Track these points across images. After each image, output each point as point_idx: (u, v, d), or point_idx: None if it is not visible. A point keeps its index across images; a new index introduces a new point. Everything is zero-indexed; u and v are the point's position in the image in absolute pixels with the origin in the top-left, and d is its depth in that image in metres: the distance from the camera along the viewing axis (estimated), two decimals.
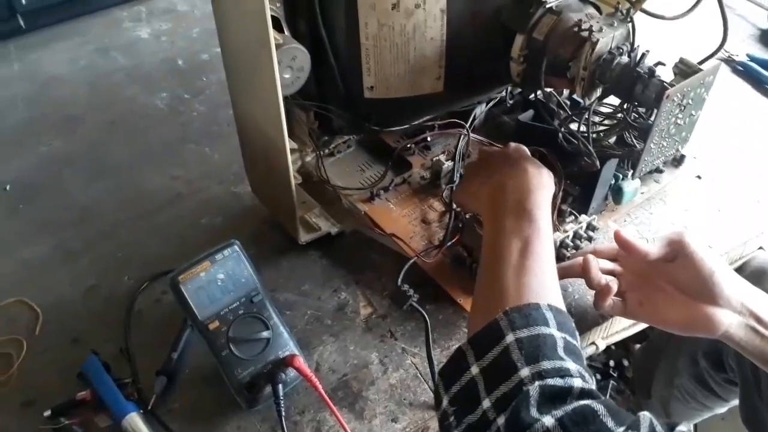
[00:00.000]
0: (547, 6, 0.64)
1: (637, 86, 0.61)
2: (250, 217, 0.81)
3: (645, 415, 0.43)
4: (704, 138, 0.87)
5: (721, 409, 0.94)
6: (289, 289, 0.72)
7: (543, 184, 0.62)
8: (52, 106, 1.01)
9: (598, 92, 0.65)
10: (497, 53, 0.68)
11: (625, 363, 1.33)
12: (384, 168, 0.82)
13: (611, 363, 1.39)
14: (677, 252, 0.61)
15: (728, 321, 0.59)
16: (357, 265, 0.75)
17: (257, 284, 0.64)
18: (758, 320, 0.59)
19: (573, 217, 0.73)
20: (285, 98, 0.66)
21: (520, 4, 0.65)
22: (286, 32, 0.67)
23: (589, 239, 0.73)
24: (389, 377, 0.65)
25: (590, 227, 0.72)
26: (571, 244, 0.71)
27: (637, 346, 1.22)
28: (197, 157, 0.90)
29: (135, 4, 1.18)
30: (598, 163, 0.68)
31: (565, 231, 0.71)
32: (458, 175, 0.78)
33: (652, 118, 0.61)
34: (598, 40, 0.61)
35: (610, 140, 0.71)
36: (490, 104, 0.86)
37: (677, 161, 0.81)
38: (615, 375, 1.37)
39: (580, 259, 0.67)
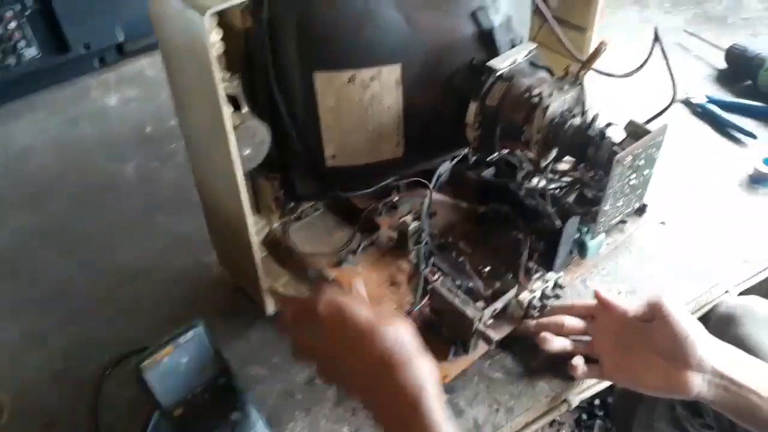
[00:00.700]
0: (498, 73, 0.65)
1: (589, 148, 0.62)
2: (219, 288, 0.81)
3: None
4: (666, 183, 0.89)
5: None
6: (259, 362, 0.72)
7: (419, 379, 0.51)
8: (22, 179, 1.01)
9: (553, 153, 0.66)
10: (453, 119, 0.69)
11: (610, 400, 1.32)
12: (352, 230, 0.82)
13: (596, 402, 1.38)
14: (655, 313, 0.64)
15: (701, 384, 0.61)
16: None
17: (222, 365, 0.63)
18: (732, 382, 0.61)
19: (539, 274, 0.74)
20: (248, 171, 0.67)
21: (471, 73, 0.66)
22: (245, 108, 0.68)
23: (556, 297, 0.73)
24: None
25: (557, 285, 0.73)
26: (539, 304, 0.71)
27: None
28: (166, 228, 0.90)
29: (103, 71, 1.19)
30: (558, 222, 0.69)
31: (533, 291, 0.72)
32: (425, 237, 0.79)
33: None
34: (548, 105, 0.62)
35: (570, 198, 0.72)
36: (454, 161, 0.87)
37: (640, 210, 0.81)
38: (601, 414, 1.37)
39: (556, 318, 0.70)
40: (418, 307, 0.73)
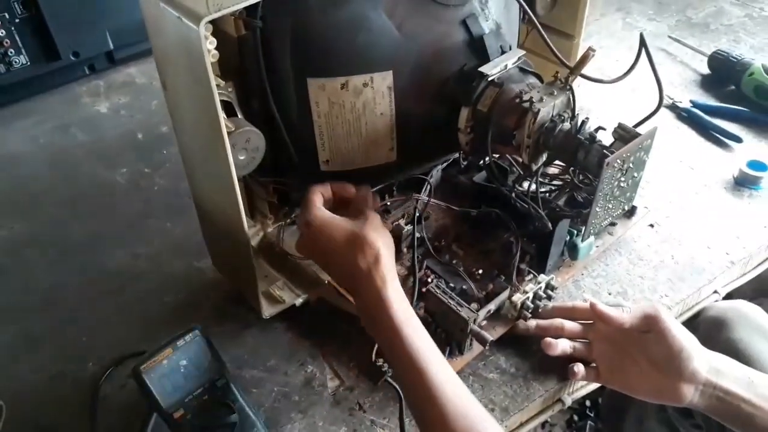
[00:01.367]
0: (489, 79, 0.66)
1: (579, 152, 0.63)
2: (213, 292, 0.81)
3: None
4: (654, 186, 0.91)
5: None
6: (255, 365, 0.72)
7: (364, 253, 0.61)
8: (13, 186, 1.00)
9: (544, 157, 0.67)
10: (446, 124, 0.71)
11: (601, 401, 1.34)
12: None
13: (587, 403, 1.40)
14: (651, 325, 0.66)
15: (694, 394, 0.64)
16: (323, 335, 0.76)
17: (220, 368, 0.64)
18: (724, 392, 0.63)
19: (532, 276, 0.75)
20: (242, 176, 0.68)
21: (463, 79, 0.67)
22: (239, 114, 0.68)
23: (549, 298, 0.74)
24: None
25: (549, 287, 0.74)
26: (532, 305, 0.72)
27: None
28: (159, 232, 0.90)
29: (93, 78, 1.19)
30: (549, 224, 0.70)
31: (525, 292, 0.73)
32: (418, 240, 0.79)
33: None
34: (539, 109, 0.63)
35: (560, 201, 0.74)
36: (445, 164, 0.88)
37: (629, 212, 0.83)
38: (592, 415, 1.38)
39: (556, 321, 0.72)
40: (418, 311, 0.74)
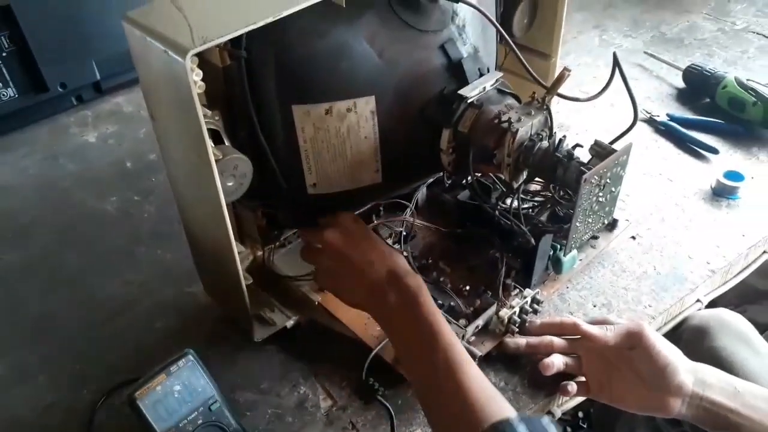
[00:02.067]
0: (469, 101, 0.68)
1: (558, 170, 0.65)
2: (205, 317, 0.82)
3: None
4: (634, 199, 0.93)
5: None
6: (248, 388, 0.73)
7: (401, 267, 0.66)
8: (3, 217, 1.01)
9: (524, 175, 0.69)
10: (428, 145, 0.72)
11: (592, 412, 1.35)
12: None
13: (580, 414, 1.41)
14: (635, 343, 0.68)
15: (681, 407, 0.66)
16: (315, 356, 0.77)
17: (214, 392, 0.65)
18: (711, 403, 0.65)
19: (517, 290, 0.77)
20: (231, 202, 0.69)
21: (443, 101, 0.69)
22: (227, 142, 0.70)
23: (535, 312, 0.76)
24: None
25: (535, 301, 0.76)
26: (518, 319, 0.74)
27: None
28: (149, 259, 0.91)
29: (81, 108, 1.20)
30: (532, 240, 0.71)
31: (512, 307, 0.74)
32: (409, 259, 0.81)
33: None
34: (517, 129, 0.65)
35: (542, 216, 0.75)
36: (429, 181, 0.90)
37: (611, 225, 0.85)
38: (585, 426, 1.39)
39: (545, 338, 0.73)
40: None
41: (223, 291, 0.78)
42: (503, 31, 0.70)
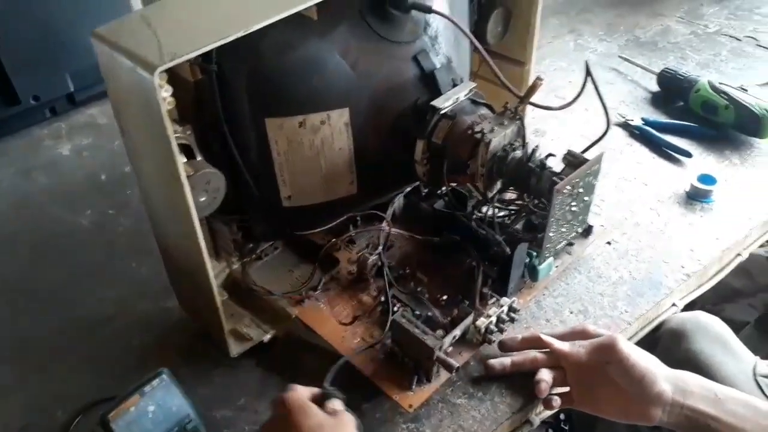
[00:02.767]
0: (442, 112, 0.68)
1: (531, 179, 0.65)
2: (181, 333, 0.81)
3: None
4: (609, 204, 0.93)
5: None
6: (226, 405, 0.73)
7: None
8: None
9: (499, 185, 0.69)
10: (403, 156, 0.72)
11: (573, 415, 1.35)
12: (312, 266, 0.84)
13: (561, 416, 1.41)
14: (609, 357, 0.68)
15: (662, 415, 0.66)
16: (292, 370, 0.76)
17: (190, 411, 0.64)
18: (691, 410, 0.66)
19: (494, 299, 0.77)
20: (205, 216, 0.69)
21: (417, 113, 0.69)
22: (199, 156, 0.69)
23: (512, 320, 0.76)
24: None
25: (511, 309, 0.76)
26: (495, 329, 0.74)
27: None
28: (125, 274, 0.90)
29: (54, 121, 1.19)
30: (507, 249, 0.72)
31: (489, 316, 0.74)
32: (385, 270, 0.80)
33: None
34: (490, 140, 0.65)
35: (518, 225, 0.76)
36: (407, 190, 0.90)
37: (586, 231, 0.85)
38: (567, 428, 1.40)
39: (530, 353, 0.73)
40: (378, 342, 0.75)
41: (197, 307, 0.77)
42: (476, 42, 0.70)
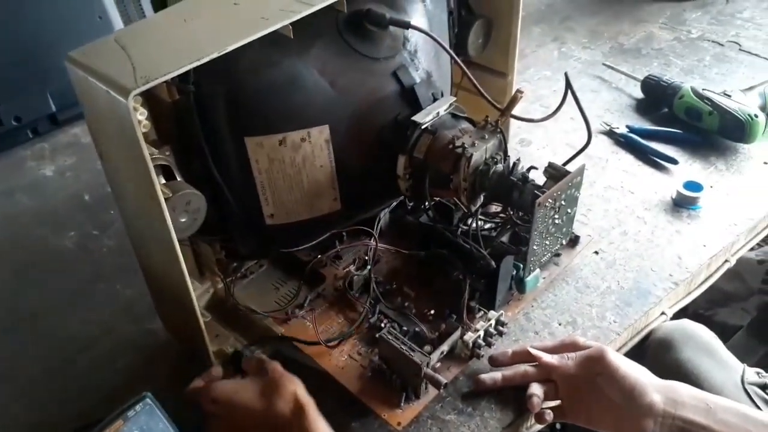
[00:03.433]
0: (423, 127, 0.68)
1: (513, 193, 0.65)
2: (167, 354, 0.81)
3: None
4: (596, 213, 0.93)
5: None
6: None
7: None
8: None
9: (482, 199, 0.69)
10: (386, 171, 0.72)
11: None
12: (298, 283, 0.83)
13: (558, 426, 1.40)
14: (598, 369, 0.67)
15: (654, 427, 0.65)
16: None
17: None
18: (683, 421, 0.65)
19: (482, 313, 0.76)
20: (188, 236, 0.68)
21: (397, 128, 0.69)
22: (179, 177, 0.69)
23: (500, 334, 0.75)
24: None
25: (499, 323, 0.75)
26: (483, 343, 0.73)
27: None
28: (109, 296, 0.89)
29: (37, 141, 1.18)
30: (492, 263, 0.71)
31: (476, 330, 0.74)
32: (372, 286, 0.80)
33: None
34: (471, 154, 0.65)
35: (504, 237, 0.75)
36: (392, 205, 0.89)
37: (572, 241, 0.85)
38: None
39: (521, 367, 0.73)
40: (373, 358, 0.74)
41: (181, 328, 0.76)
42: (455, 56, 0.70)
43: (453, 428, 0.71)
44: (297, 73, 0.66)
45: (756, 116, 0.99)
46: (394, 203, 0.88)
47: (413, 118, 0.68)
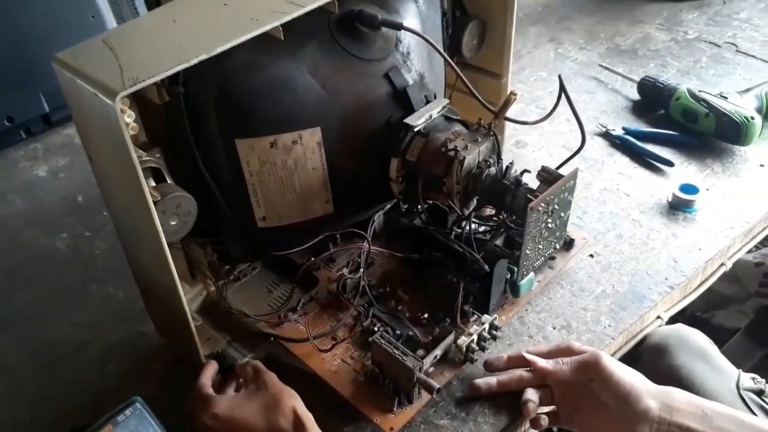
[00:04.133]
0: (415, 130, 0.67)
1: (506, 196, 0.64)
2: (158, 357, 0.80)
3: None
4: (591, 216, 0.93)
5: None
6: None
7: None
8: None
9: (474, 202, 0.68)
10: (378, 174, 0.71)
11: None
12: (291, 286, 0.83)
13: (554, 429, 1.40)
14: (592, 374, 0.67)
15: None
16: None
17: None
18: (678, 427, 0.64)
19: (476, 317, 0.76)
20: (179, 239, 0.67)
21: (390, 130, 0.68)
22: (169, 180, 0.68)
23: (494, 338, 0.75)
24: None
25: (493, 327, 0.74)
26: (477, 347, 0.73)
27: None
28: (101, 298, 0.89)
29: (31, 141, 1.17)
30: (486, 267, 0.70)
31: (470, 334, 0.73)
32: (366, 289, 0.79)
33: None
34: (464, 157, 0.64)
35: (498, 240, 0.74)
36: (386, 208, 0.89)
37: (567, 244, 0.84)
38: None
39: (516, 372, 0.72)
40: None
41: (173, 332, 0.76)
42: (448, 58, 0.70)
43: None
44: (288, 75, 0.65)
45: (752, 118, 0.99)
46: (388, 206, 0.87)
47: (405, 120, 0.68)
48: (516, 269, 0.76)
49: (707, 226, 0.91)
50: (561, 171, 0.66)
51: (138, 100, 0.64)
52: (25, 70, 1.10)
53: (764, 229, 0.96)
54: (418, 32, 0.68)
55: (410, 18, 0.71)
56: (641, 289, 0.83)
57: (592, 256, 0.87)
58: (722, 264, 0.90)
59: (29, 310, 0.89)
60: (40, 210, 1.05)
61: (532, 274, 0.78)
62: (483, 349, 0.74)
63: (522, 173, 0.66)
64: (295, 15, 0.60)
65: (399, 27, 0.66)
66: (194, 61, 0.56)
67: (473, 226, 0.76)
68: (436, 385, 0.69)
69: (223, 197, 0.71)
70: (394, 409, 0.70)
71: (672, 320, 0.86)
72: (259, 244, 0.78)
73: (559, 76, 0.68)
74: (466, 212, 0.68)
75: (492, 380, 0.72)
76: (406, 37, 0.70)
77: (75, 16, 1.12)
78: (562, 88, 0.66)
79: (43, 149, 1.16)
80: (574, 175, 0.64)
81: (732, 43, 1.27)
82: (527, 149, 1.06)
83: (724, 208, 0.93)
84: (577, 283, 0.84)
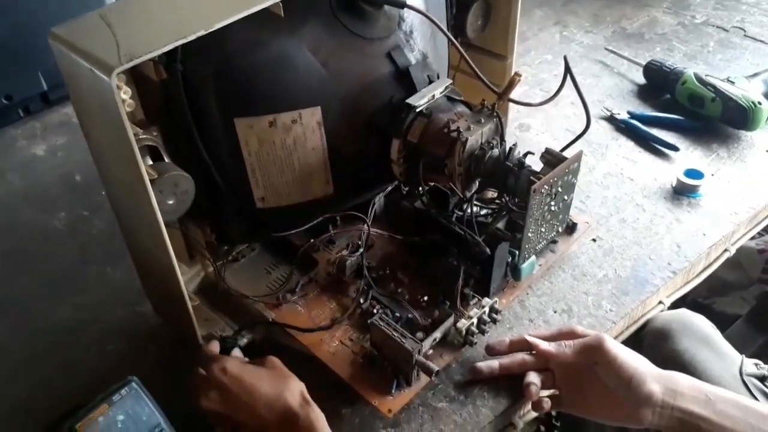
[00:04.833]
0: (417, 110, 0.66)
1: (509, 178, 0.63)
2: (156, 338, 0.79)
3: None
4: (594, 200, 0.92)
5: None
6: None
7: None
8: None
9: (476, 184, 0.67)
10: (379, 155, 0.70)
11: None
12: (290, 268, 0.82)
13: (553, 412, 1.40)
14: (596, 357, 0.66)
15: (652, 417, 0.64)
16: None
17: (160, 419, 0.62)
18: (681, 411, 0.64)
19: (476, 300, 0.75)
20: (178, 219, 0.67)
21: (392, 111, 0.67)
22: (166, 158, 0.67)
23: (494, 322, 0.74)
24: None
25: (493, 310, 0.74)
26: (477, 330, 0.72)
27: None
28: (99, 279, 0.88)
29: (29, 120, 1.16)
30: (487, 250, 0.70)
31: (470, 317, 0.72)
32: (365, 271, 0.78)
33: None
34: (467, 138, 0.63)
35: (499, 223, 0.74)
36: (387, 190, 0.88)
37: (570, 228, 0.83)
38: (558, 425, 1.39)
39: (518, 355, 0.72)
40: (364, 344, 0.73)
41: (170, 312, 0.75)
42: (452, 38, 0.68)
43: (444, 416, 0.70)
44: (288, 53, 0.64)
45: (759, 103, 0.97)
46: (389, 188, 0.87)
47: (408, 100, 0.66)
48: (517, 252, 0.76)
49: (711, 211, 0.90)
50: (565, 154, 0.65)
51: (136, 78, 0.63)
52: (23, 48, 1.09)
53: None
54: (422, 11, 0.67)
55: None
56: (643, 273, 0.83)
57: (594, 240, 0.87)
58: (726, 250, 0.89)
59: (26, 291, 0.88)
60: (38, 189, 1.04)
61: (533, 257, 0.77)
62: (483, 332, 0.73)
63: (525, 155, 0.65)
64: None
65: (402, 5, 0.65)
66: (192, 37, 0.55)
67: (475, 209, 0.75)
68: (435, 367, 0.69)
69: (222, 177, 0.70)
70: (393, 391, 0.70)
71: (674, 306, 0.85)
72: (258, 225, 0.77)
73: (565, 57, 0.66)
74: (468, 195, 0.67)
75: (494, 363, 0.72)
76: (409, 16, 0.69)
77: None
78: (568, 69, 0.65)
79: (41, 128, 1.15)
80: (578, 157, 0.63)
81: (740, 28, 1.25)
82: (530, 132, 1.05)
83: (729, 193, 0.92)
84: (578, 268, 0.83)
